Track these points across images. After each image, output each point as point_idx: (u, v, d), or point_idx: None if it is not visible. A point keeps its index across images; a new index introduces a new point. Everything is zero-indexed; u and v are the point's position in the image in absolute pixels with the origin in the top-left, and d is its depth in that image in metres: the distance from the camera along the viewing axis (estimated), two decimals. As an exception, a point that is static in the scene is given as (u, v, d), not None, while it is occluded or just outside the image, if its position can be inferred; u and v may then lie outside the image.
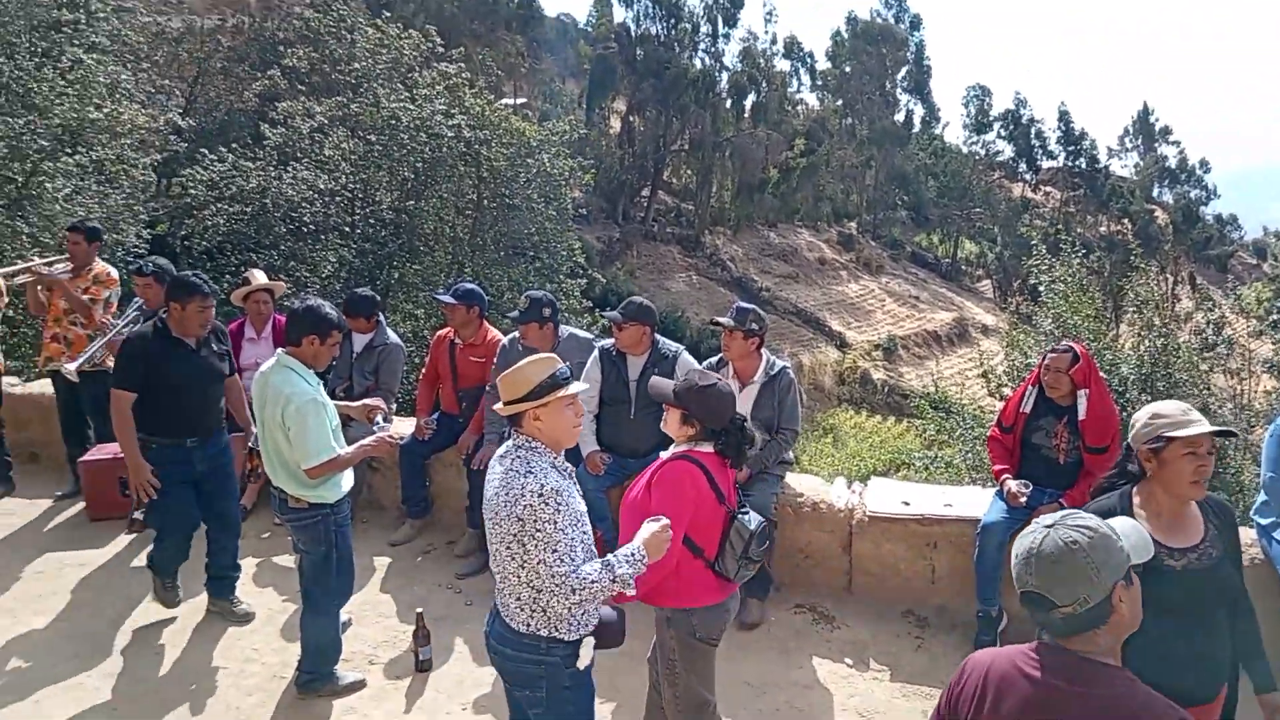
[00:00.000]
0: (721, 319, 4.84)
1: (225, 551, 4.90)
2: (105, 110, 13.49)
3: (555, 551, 2.73)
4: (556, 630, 2.86)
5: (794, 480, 5.23)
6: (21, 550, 5.59)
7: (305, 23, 20.94)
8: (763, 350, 4.89)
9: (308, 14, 21.56)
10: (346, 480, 4.20)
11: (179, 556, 4.84)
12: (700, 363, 5.08)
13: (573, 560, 2.75)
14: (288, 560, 5.36)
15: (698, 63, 55.84)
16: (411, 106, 15.91)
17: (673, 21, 54.35)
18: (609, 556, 2.85)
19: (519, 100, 43.51)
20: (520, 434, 2.92)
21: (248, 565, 5.33)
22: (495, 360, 5.46)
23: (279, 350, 4.04)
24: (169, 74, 20.95)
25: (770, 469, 4.87)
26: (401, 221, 16.37)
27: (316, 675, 4.24)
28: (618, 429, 5.08)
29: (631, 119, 54.44)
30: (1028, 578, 1.97)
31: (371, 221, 16.41)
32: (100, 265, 6.32)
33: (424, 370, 5.98)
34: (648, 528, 2.97)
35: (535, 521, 2.72)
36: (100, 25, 14.44)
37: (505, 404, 2.90)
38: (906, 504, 4.99)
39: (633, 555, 2.87)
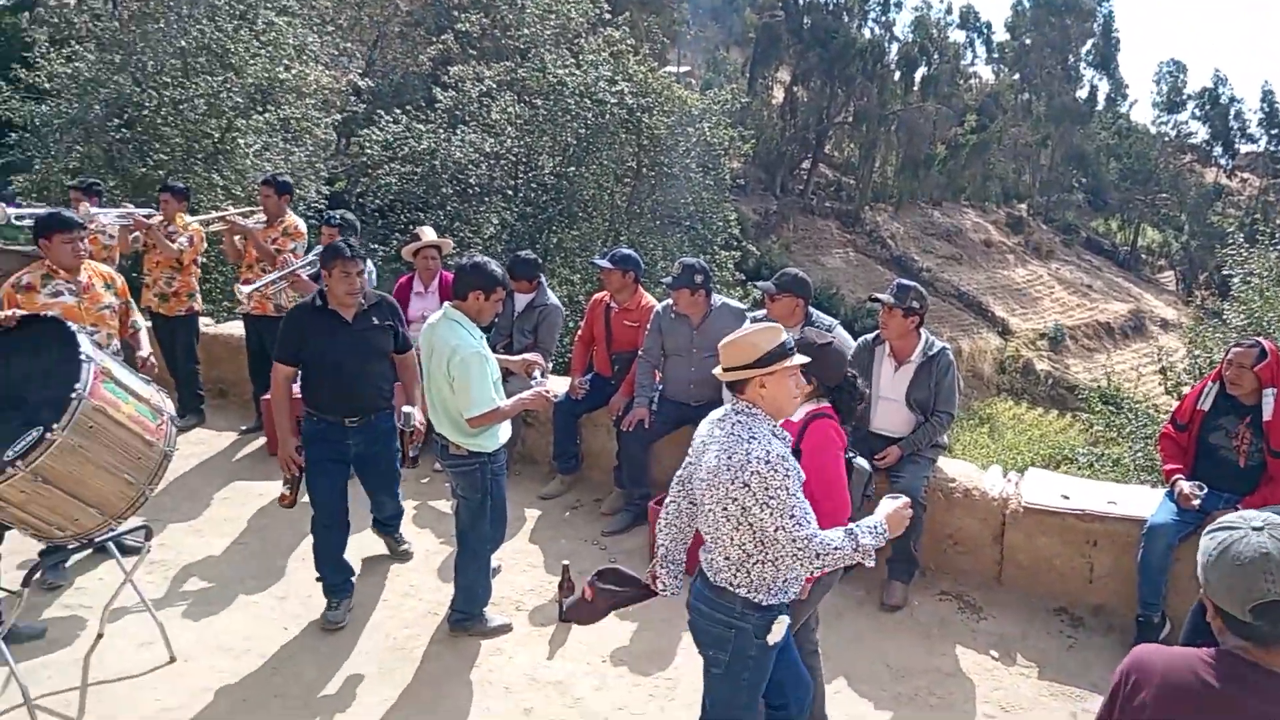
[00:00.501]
0: (881, 295, 4.74)
1: (384, 509, 4.99)
2: (293, 71, 14.30)
3: (793, 517, 2.72)
4: (755, 593, 2.88)
5: (946, 465, 5.09)
6: (211, 477, 6.08)
7: (479, -12, 21.53)
8: (921, 330, 4.77)
9: (478, -21, 22.14)
10: (504, 432, 4.36)
11: (332, 553, 4.52)
12: (855, 340, 5.01)
13: (810, 523, 2.75)
14: (445, 505, 5.62)
15: (866, 32, 54.31)
16: (577, 72, 16.15)
17: (843, -11, 53.00)
18: (851, 526, 2.85)
19: (682, 68, 43.45)
20: (741, 399, 2.93)
21: (408, 508, 5.63)
22: (648, 325, 5.54)
23: (446, 304, 4.22)
24: (351, 37, 21.92)
25: (922, 451, 4.77)
26: (562, 187, 16.70)
27: (467, 615, 4.45)
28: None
29: (795, 89, 53.51)
30: (1268, 586, 1.79)
31: (533, 186, 16.81)
32: (290, 218, 6.71)
33: (579, 332, 6.13)
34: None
35: (766, 489, 2.71)
36: (293, -10, 15.27)
37: (728, 369, 2.91)
38: (1066, 498, 4.78)
39: (875, 528, 2.86)
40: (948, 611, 4.75)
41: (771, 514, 2.71)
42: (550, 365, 6.04)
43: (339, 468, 4.46)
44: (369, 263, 6.18)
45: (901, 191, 54.97)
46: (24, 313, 4.08)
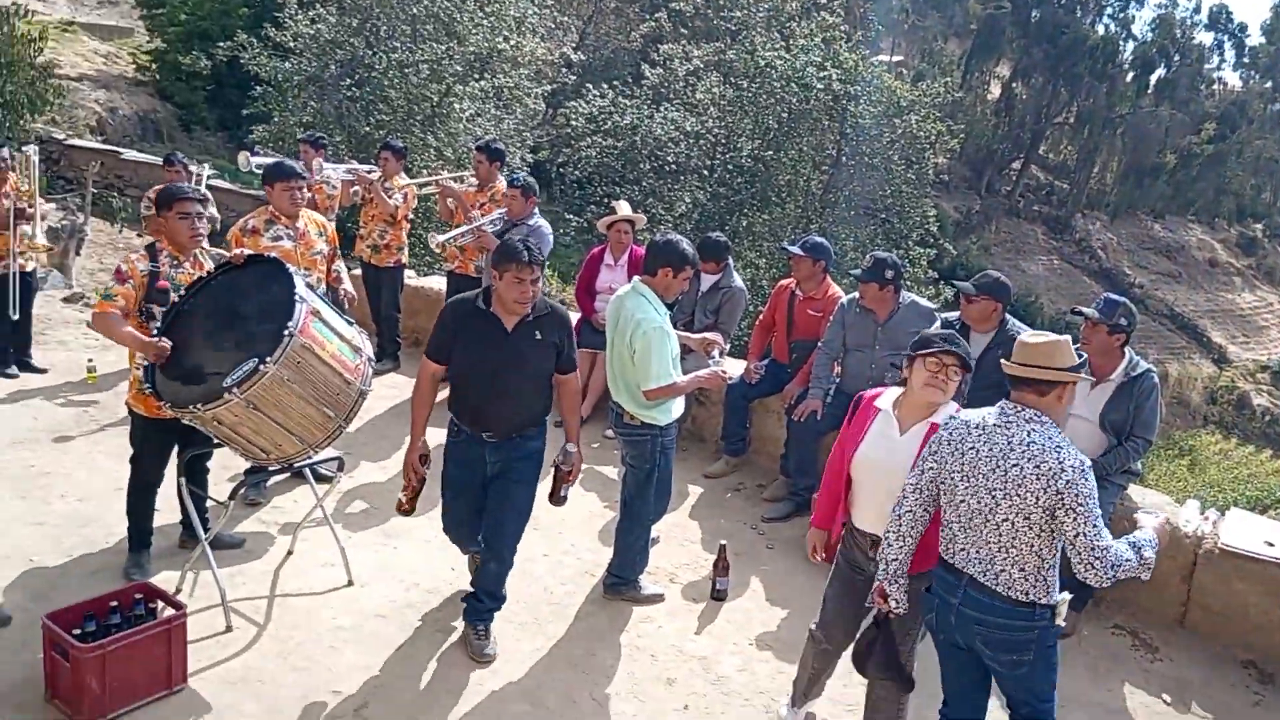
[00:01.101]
0: (1085, 309, 4.48)
1: (485, 570, 4.14)
2: (511, 42, 14.83)
3: (1096, 526, 2.77)
4: (1049, 594, 2.92)
5: (1136, 493, 4.78)
6: (399, 420, 6.47)
7: (697, -34, 21.58)
8: (1126, 349, 4.48)
9: (700, -42, 22.18)
10: (677, 407, 4.42)
11: (465, 533, 4.26)
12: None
13: (1107, 535, 2.80)
14: (612, 472, 5.76)
15: (1100, 29, 50.84)
16: (786, 56, 15.98)
17: (1079, -18, 49.81)
18: (1133, 538, 2.87)
19: (895, 57, 42.18)
20: (1025, 405, 2.90)
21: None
22: (831, 316, 5.46)
23: (635, 278, 4.31)
24: (568, 10, 22.52)
25: (1111, 476, 4.48)
26: (758, 170, 16.59)
27: (623, 580, 4.56)
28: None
29: (1014, 85, 50.87)
30: None
31: (729, 167, 16.79)
32: (500, 184, 6.96)
33: (760, 317, 6.11)
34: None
35: (1076, 496, 2.76)
36: (519, -37, 15.81)
37: (1045, 368, 2.87)
38: (1270, 545, 4.39)
39: (1151, 542, 2.88)
40: (1120, 646, 4.48)
41: (1075, 520, 2.76)
42: (728, 347, 6.06)
43: (472, 489, 4.05)
44: (543, 224, 6.37)
45: (1120, 200, 51.28)
46: (250, 252, 4.46)
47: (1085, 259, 47.20)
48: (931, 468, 3.04)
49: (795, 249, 5.72)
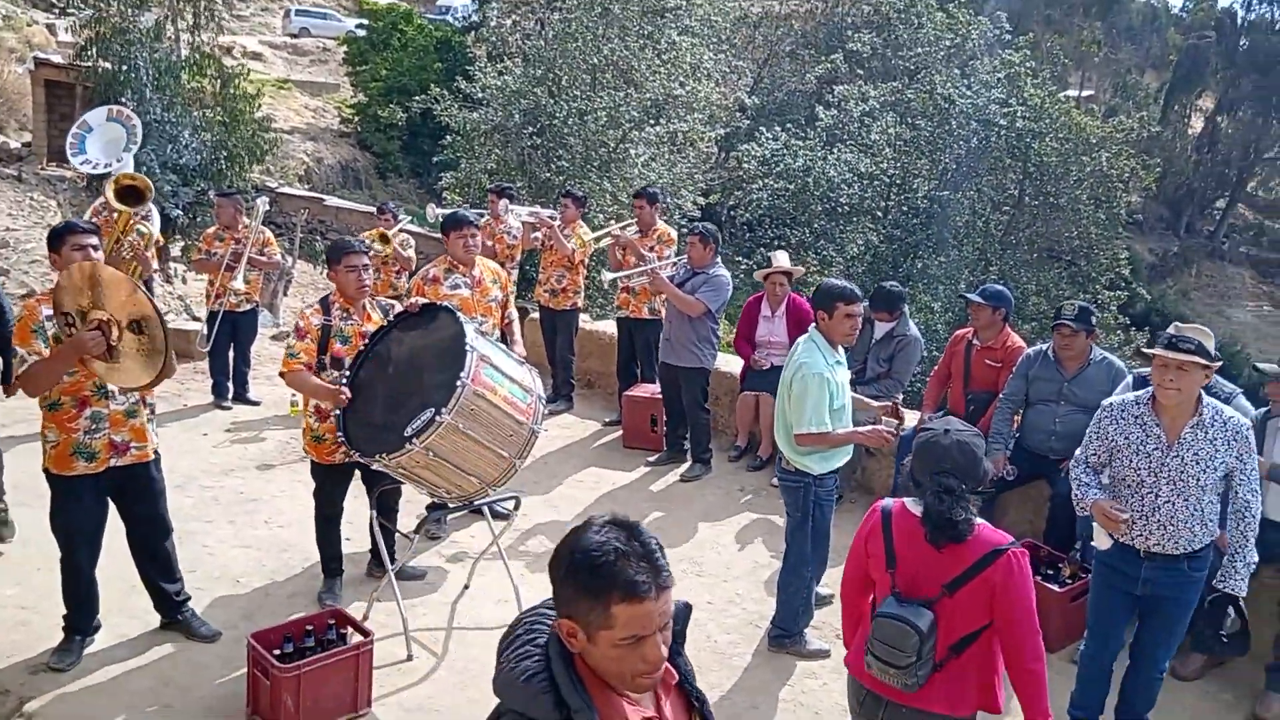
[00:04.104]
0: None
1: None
2: (687, 87, 15.16)
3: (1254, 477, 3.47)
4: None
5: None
6: (570, 460, 6.66)
7: (875, 7, 21.44)
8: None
9: (879, -1, 22.02)
10: (838, 457, 4.35)
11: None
12: (1255, 409, 4.40)
13: None
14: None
15: (1320, 56, 46.86)
16: (968, 93, 15.60)
17: (1296, 6, 46.22)
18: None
19: (1084, 92, 40.31)
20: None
21: (742, 518, 5.80)
22: (1014, 369, 5.24)
23: (812, 325, 4.30)
24: (743, 55, 22.78)
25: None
26: (934, 211, 16.21)
27: (786, 633, 4.50)
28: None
29: (1218, 119, 47.52)
30: None
31: (904, 209, 16.48)
32: (661, 226, 7.16)
33: (936, 367, 5.94)
34: None
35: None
36: (695, 10, 16.19)
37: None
38: None
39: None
40: None
41: (1245, 472, 3.44)
42: (900, 397, 5.92)
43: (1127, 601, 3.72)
44: (724, 273, 6.39)
45: (1344, 241, 46.88)
46: (425, 300, 4.71)
47: (1301, 304, 43.25)
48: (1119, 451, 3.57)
49: (974, 297, 5.54)
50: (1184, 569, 3.50)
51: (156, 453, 4.09)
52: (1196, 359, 3.30)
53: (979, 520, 2.80)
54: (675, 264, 6.64)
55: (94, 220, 5.43)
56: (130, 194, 6.08)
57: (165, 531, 4.22)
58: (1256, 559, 3.48)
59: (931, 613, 2.74)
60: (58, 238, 3.87)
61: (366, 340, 4.44)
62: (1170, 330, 3.44)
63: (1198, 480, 3.40)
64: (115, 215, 6.03)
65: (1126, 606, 3.66)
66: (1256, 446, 4.02)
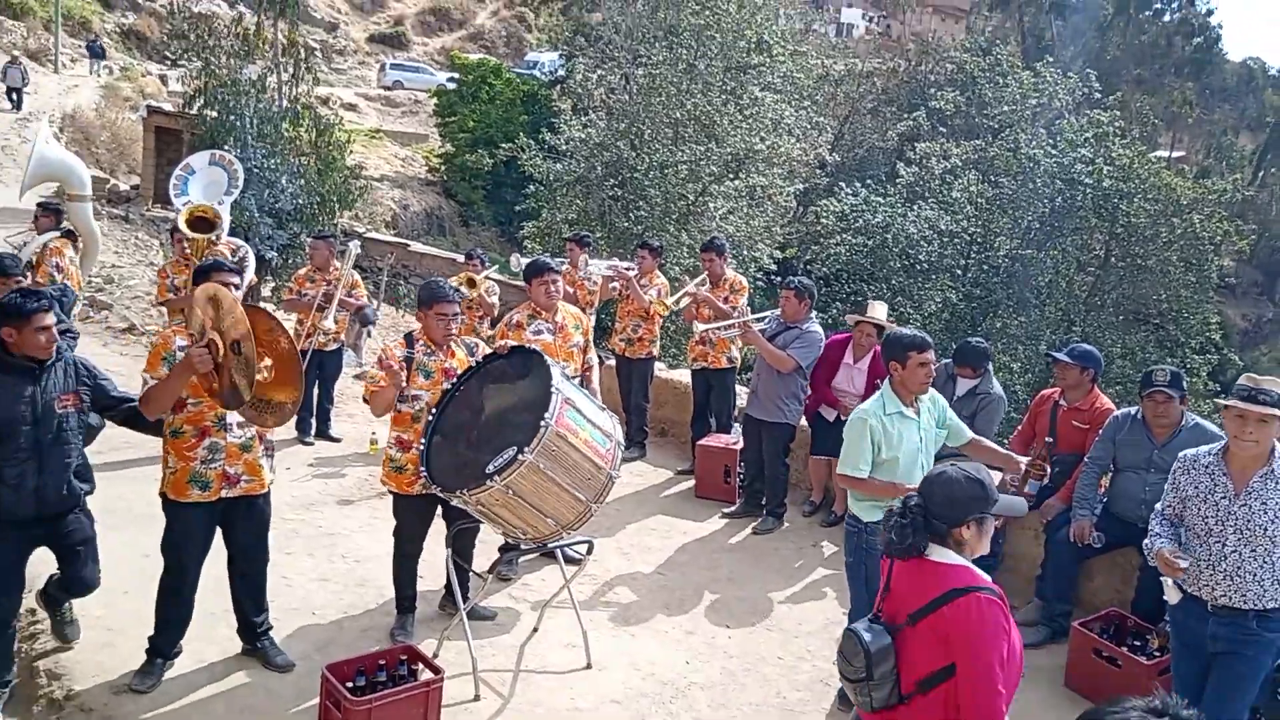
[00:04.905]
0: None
1: None
2: (767, 143, 15.29)
3: None
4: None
5: None
6: (643, 506, 6.65)
7: (959, 65, 21.42)
8: None
9: (963, 57, 21.98)
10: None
11: None
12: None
13: None
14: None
15: None
16: (1054, 151, 15.41)
17: (1401, 68, 44.68)
18: None
19: (1175, 153, 39.42)
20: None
21: (815, 573, 5.71)
22: (1101, 431, 5.10)
23: (885, 379, 4.27)
24: (825, 111, 22.91)
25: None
26: (1015, 270, 15.95)
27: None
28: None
29: (1317, 182, 46.00)
30: None
31: (984, 267, 16.26)
32: (731, 275, 7.23)
33: (1020, 427, 5.81)
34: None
35: None
36: (779, 67, 16.37)
37: None
38: None
39: None
40: None
41: None
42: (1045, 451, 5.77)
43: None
44: (817, 330, 6.34)
45: None
46: (513, 343, 4.80)
47: None
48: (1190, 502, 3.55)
49: (1062, 356, 5.43)
50: (1252, 625, 3.43)
51: (268, 487, 4.23)
52: (1276, 412, 3.31)
53: (961, 561, 2.75)
54: (767, 318, 6.64)
55: (176, 247, 6.07)
56: (201, 223, 6.82)
57: (264, 562, 4.36)
58: None
59: (890, 638, 2.75)
60: (203, 274, 4.22)
61: (451, 378, 4.54)
62: (1245, 381, 3.41)
63: (1265, 530, 3.37)
64: (189, 243, 6.80)
65: (1204, 671, 3.57)
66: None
